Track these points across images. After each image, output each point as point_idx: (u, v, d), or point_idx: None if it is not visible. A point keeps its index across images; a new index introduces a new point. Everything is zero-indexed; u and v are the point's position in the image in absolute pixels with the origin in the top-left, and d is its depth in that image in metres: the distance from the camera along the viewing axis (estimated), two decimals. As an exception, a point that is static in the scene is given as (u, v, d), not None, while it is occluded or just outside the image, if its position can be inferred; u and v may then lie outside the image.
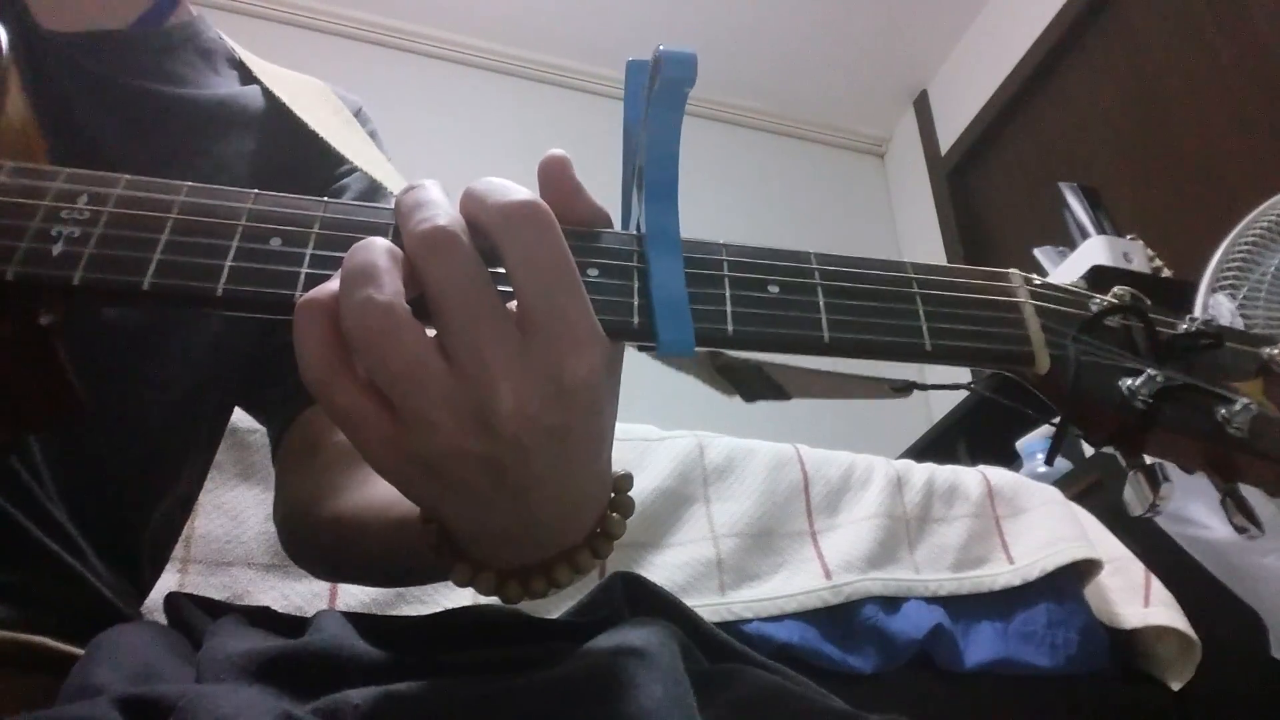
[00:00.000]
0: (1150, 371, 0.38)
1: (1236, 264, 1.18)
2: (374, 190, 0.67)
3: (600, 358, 0.32)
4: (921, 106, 3.04)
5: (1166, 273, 1.98)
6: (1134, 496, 0.39)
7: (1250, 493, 0.41)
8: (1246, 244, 1.18)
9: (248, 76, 0.64)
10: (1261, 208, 1.19)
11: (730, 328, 0.35)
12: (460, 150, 2.52)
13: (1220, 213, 1.30)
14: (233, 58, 0.65)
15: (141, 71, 0.58)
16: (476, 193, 0.33)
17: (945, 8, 2.80)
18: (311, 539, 0.56)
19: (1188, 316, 0.41)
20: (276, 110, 0.63)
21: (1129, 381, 0.38)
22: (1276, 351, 0.41)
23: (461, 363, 0.30)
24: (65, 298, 0.33)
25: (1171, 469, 0.40)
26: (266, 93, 0.63)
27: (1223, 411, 0.38)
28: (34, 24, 0.53)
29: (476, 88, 2.75)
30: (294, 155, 0.63)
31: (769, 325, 0.35)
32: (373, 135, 0.68)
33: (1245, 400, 0.38)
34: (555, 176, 0.35)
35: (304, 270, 0.33)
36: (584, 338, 0.31)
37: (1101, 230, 2.04)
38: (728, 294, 0.36)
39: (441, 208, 0.32)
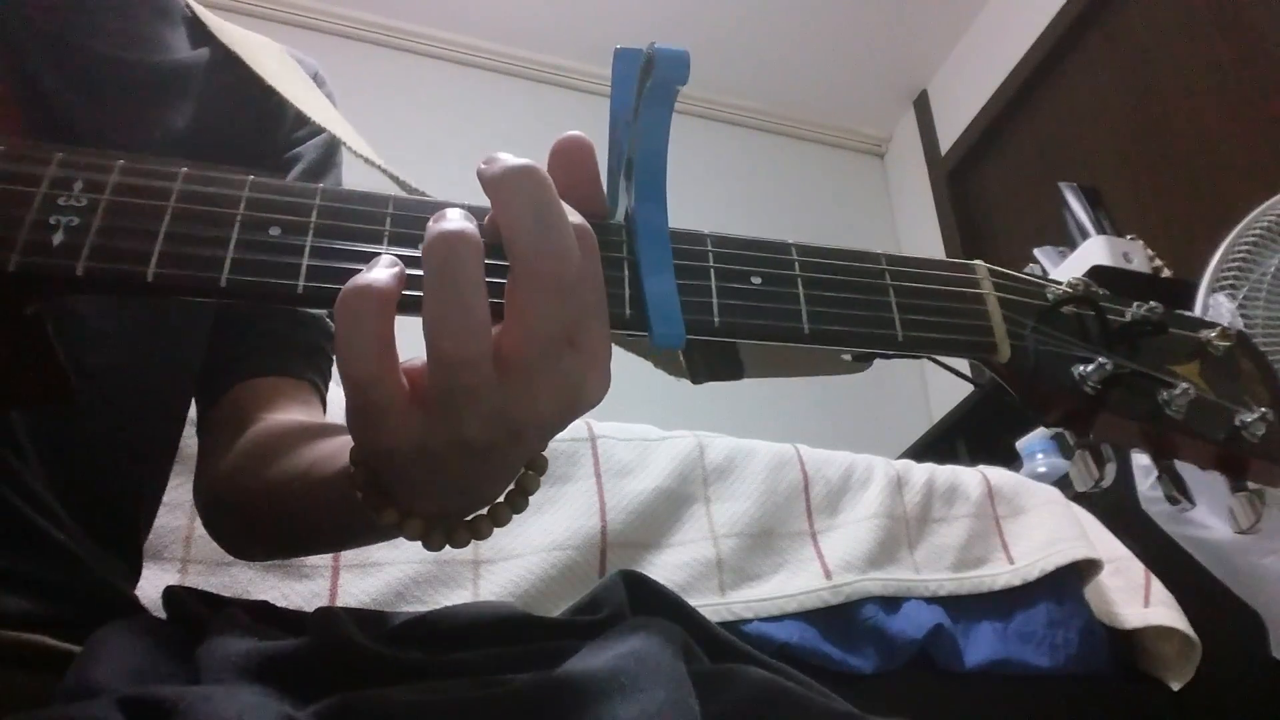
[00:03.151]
0: (1100, 359, 0.40)
1: (1236, 264, 1.17)
2: (329, 158, 0.66)
3: (609, 378, 0.34)
4: (921, 106, 3.04)
5: (1166, 273, 1.98)
6: (1079, 474, 0.42)
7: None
8: (1246, 244, 1.18)
9: (204, 35, 0.63)
10: (1261, 208, 1.19)
11: (716, 319, 0.36)
12: (460, 150, 2.51)
13: (1220, 213, 1.30)
14: (187, 15, 0.64)
15: (99, 32, 0.56)
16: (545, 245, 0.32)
17: (945, 8, 2.80)
18: (235, 509, 0.56)
19: (1135, 303, 0.43)
20: (235, 71, 0.61)
21: (1081, 368, 0.40)
22: (1213, 335, 0.44)
23: (514, 372, 0.31)
24: (67, 289, 0.32)
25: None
26: (225, 52, 0.62)
27: (1164, 395, 0.41)
28: None
29: (476, 88, 2.75)
30: (253, 118, 0.62)
31: (753, 316, 0.37)
32: (329, 98, 0.67)
33: (1185, 385, 0.41)
34: (574, 160, 0.36)
35: (305, 262, 0.33)
36: (607, 360, 0.33)
37: (1101, 230, 2.05)
38: (713, 285, 0.37)
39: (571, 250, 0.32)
